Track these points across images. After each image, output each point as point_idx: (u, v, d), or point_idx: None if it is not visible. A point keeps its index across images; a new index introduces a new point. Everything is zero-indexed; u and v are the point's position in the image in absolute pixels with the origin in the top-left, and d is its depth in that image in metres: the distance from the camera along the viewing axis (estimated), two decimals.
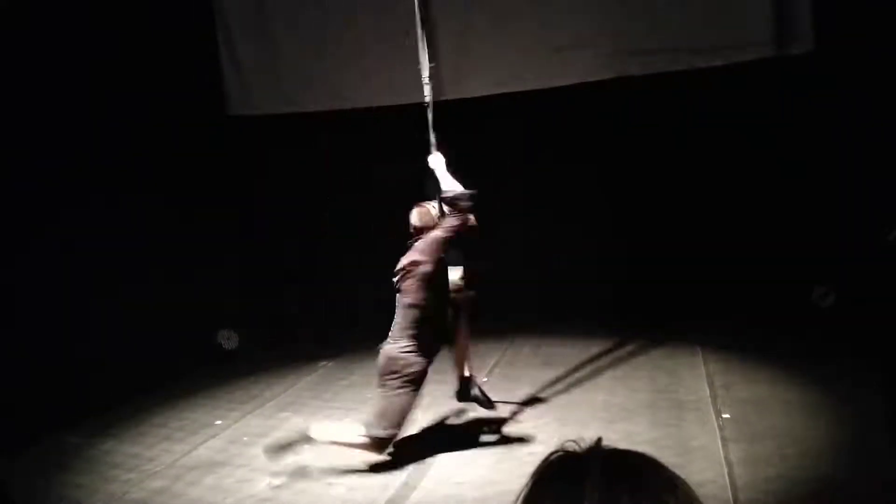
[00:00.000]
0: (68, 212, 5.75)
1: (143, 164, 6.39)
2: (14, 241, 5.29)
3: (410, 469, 4.19)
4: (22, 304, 5.29)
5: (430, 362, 4.23)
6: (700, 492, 0.89)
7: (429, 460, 4.27)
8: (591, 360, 5.87)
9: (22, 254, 5.36)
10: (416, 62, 4.85)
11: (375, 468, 4.24)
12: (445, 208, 4.31)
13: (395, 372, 4.11)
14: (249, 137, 7.47)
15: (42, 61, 5.55)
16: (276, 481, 4.20)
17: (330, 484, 4.13)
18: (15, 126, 5.35)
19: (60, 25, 5.72)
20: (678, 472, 0.87)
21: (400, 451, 4.37)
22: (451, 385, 4.73)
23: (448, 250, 4.33)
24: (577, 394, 5.17)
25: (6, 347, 5.00)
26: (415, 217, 4.36)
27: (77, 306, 5.67)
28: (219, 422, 5.28)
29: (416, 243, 4.27)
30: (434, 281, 4.22)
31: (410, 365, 4.11)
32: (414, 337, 4.14)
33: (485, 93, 6.67)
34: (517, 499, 0.88)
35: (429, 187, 4.55)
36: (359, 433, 4.14)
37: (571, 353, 6.02)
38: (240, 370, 6.40)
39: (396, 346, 4.16)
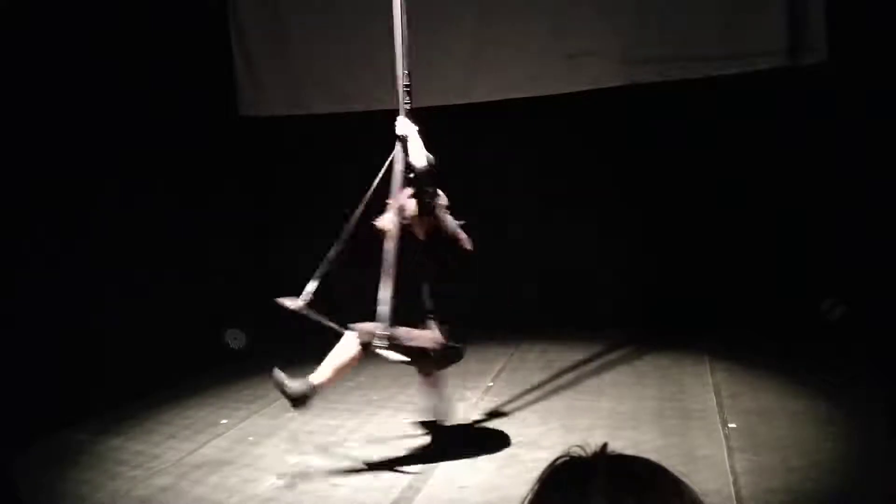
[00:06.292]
0: (80, 209, 5.78)
1: (154, 162, 6.42)
2: (24, 237, 5.32)
3: (415, 472, 4.19)
4: (29, 300, 5.30)
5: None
6: (705, 501, 0.89)
7: (433, 464, 4.26)
8: (597, 366, 5.86)
9: (31, 250, 5.38)
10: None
11: (380, 471, 4.24)
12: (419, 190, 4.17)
13: None
14: (264, 136, 7.50)
15: (54, 61, 5.58)
16: (281, 481, 4.21)
17: (334, 485, 4.13)
18: (29, 124, 5.38)
19: (71, 25, 5.74)
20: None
21: (405, 455, 4.38)
22: (454, 389, 4.72)
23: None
24: (582, 400, 5.16)
25: (13, 343, 5.01)
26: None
27: (85, 303, 5.69)
28: (225, 421, 5.30)
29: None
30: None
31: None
32: None
33: (497, 97, 6.69)
34: (522, 503, 0.89)
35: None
36: None
37: (577, 359, 6.01)
38: (246, 370, 6.40)
39: None
